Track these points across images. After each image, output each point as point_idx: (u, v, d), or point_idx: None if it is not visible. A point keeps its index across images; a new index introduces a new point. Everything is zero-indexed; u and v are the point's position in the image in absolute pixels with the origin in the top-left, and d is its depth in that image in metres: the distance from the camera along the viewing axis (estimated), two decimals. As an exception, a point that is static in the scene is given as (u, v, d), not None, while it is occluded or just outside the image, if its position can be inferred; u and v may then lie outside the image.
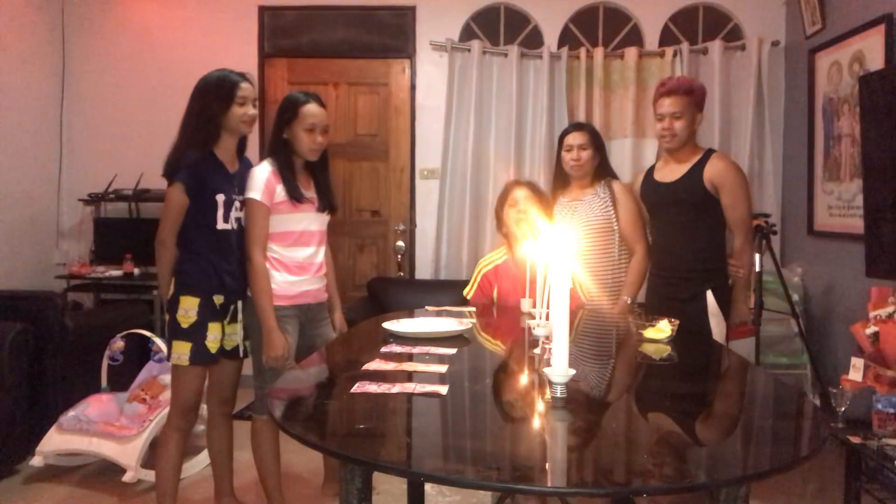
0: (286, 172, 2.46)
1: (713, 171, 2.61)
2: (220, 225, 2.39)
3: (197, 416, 2.53)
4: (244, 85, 2.38)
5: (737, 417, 1.48)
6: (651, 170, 2.88)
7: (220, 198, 2.37)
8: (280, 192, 2.44)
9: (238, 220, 2.44)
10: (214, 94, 2.35)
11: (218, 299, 2.41)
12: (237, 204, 2.43)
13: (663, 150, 2.81)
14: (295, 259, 2.50)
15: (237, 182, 2.43)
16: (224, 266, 2.41)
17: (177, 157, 2.34)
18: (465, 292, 2.92)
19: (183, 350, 2.35)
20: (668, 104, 2.65)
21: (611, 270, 2.80)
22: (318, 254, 2.57)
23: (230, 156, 2.44)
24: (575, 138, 2.84)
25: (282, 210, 2.45)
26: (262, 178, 2.42)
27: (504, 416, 1.48)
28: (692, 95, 2.65)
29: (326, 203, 2.59)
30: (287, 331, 2.47)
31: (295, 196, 2.45)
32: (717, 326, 2.60)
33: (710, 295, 2.61)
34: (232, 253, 2.43)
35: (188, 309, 2.35)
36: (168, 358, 2.40)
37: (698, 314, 2.58)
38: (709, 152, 2.70)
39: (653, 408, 1.56)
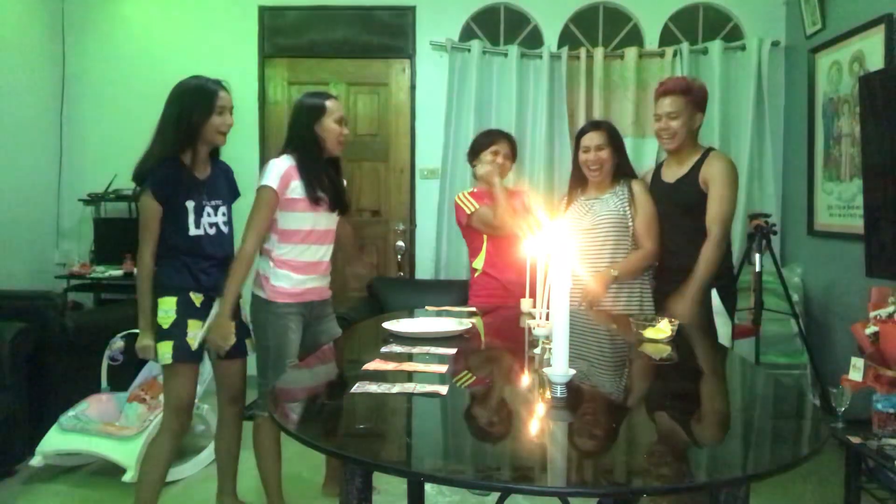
0: (311, 170, 2.49)
1: (706, 170, 2.59)
2: (192, 231, 2.38)
3: (190, 419, 2.51)
4: (223, 94, 2.38)
5: (737, 417, 1.48)
6: (660, 167, 2.84)
7: (190, 204, 2.36)
8: (297, 188, 2.46)
9: (213, 225, 2.43)
10: (193, 101, 2.33)
11: (196, 298, 2.39)
12: (209, 210, 2.41)
13: (664, 150, 2.80)
14: (304, 259, 2.51)
15: (207, 188, 2.42)
16: (199, 265, 2.40)
17: (148, 163, 2.32)
18: (469, 213, 2.94)
19: (167, 350, 2.35)
20: (665, 104, 2.62)
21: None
22: (327, 253, 2.60)
23: (200, 162, 2.42)
24: (592, 139, 2.73)
25: (297, 208, 2.47)
26: (280, 169, 2.44)
27: (504, 416, 1.48)
28: (690, 95, 2.61)
29: (339, 203, 2.60)
30: (291, 328, 2.50)
31: (314, 197, 2.47)
32: (722, 326, 2.58)
33: (714, 294, 2.59)
34: (206, 257, 2.41)
35: (167, 309, 2.35)
36: (156, 359, 2.40)
37: (703, 313, 2.56)
38: (707, 151, 2.67)
39: (653, 408, 1.56)
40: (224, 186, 2.49)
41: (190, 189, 2.37)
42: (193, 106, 2.33)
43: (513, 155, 3.00)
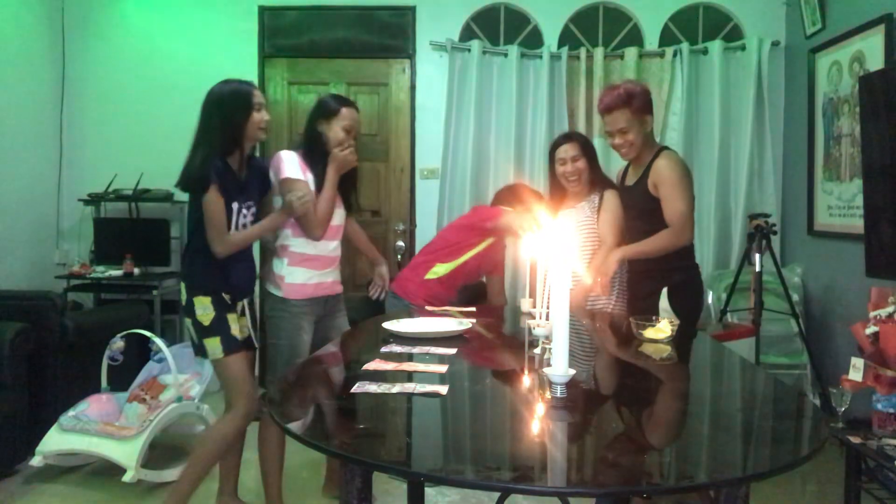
0: (317, 164, 2.55)
1: (655, 172, 2.58)
2: (231, 232, 2.44)
3: (256, 404, 2.53)
4: (256, 92, 2.45)
5: (737, 417, 1.48)
6: (628, 167, 2.82)
7: (234, 206, 2.42)
8: (310, 179, 2.52)
9: (244, 225, 2.48)
10: (234, 104, 2.38)
11: (226, 296, 2.46)
12: (244, 211, 2.47)
13: (625, 161, 2.76)
14: (315, 253, 2.57)
15: (246, 189, 2.48)
16: (230, 264, 2.45)
17: (195, 168, 2.33)
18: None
19: (215, 345, 2.41)
20: (610, 121, 2.60)
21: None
22: (337, 248, 2.68)
23: (241, 164, 2.48)
24: (566, 151, 2.76)
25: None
26: (294, 160, 2.51)
27: (504, 416, 1.48)
28: (632, 104, 2.56)
29: (349, 202, 2.71)
30: (304, 328, 2.56)
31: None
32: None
33: (664, 291, 2.55)
34: (237, 256, 2.46)
35: (204, 307, 2.41)
36: (204, 356, 2.45)
37: (653, 312, 2.52)
38: (659, 152, 2.63)
39: (652, 408, 1.56)
40: (256, 186, 2.54)
41: (235, 192, 2.42)
42: (234, 108, 2.38)
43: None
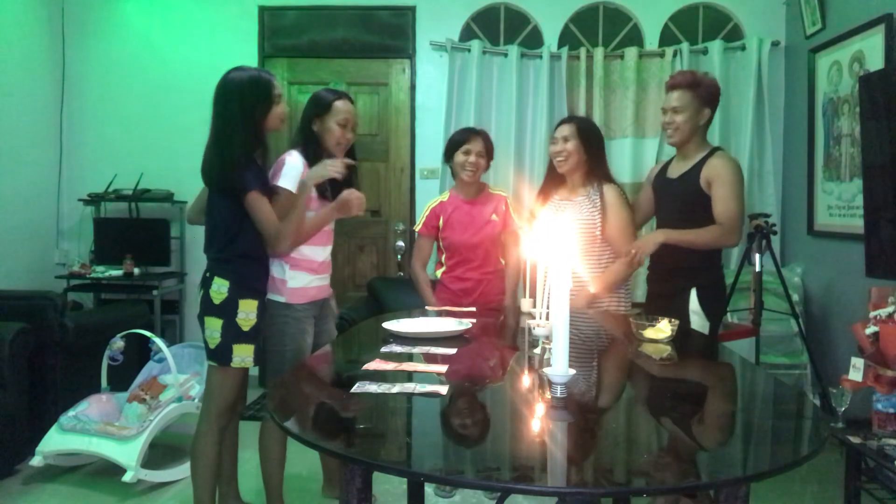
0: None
1: (709, 169, 2.54)
2: None
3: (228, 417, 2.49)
4: (276, 82, 2.36)
5: (737, 417, 1.48)
6: (669, 163, 2.78)
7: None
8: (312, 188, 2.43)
9: None
10: (254, 96, 2.27)
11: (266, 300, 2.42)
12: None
13: (668, 144, 2.75)
14: (316, 258, 2.51)
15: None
16: (268, 265, 2.42)
17: (230, 168, 2.22)
18: (415, 227, 3.14)
19: (247, 353, 2.32)
20: (671, 98, 2.58)
21: (591, 275, 2.69)
22: (329, 254, 2.61)
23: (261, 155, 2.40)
24: (561, 131, 2.72)
25: (311, 207, 2.44)
26: (296, 168, 2.39)
27: (504, 416, 1.48)
28: (698, 90, 2.55)
29: None
30: (308, 332, 2.49)
31: (324, 192, 2.46)
32: (696, 324, 2.55)
33: (693, 293, 2.56)
34: (273, 253, 2.43)
35: (248, 312, 2.31)
36: (225, 362, 2.31)
37: (682, 311, 2.52)
38: (713, 151, 2.61)
39: (653, 408, 1.56)
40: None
41: (266, 186, 2.32)
42: (255, 101, 2.26)
43: (487, 152, 2.94)
